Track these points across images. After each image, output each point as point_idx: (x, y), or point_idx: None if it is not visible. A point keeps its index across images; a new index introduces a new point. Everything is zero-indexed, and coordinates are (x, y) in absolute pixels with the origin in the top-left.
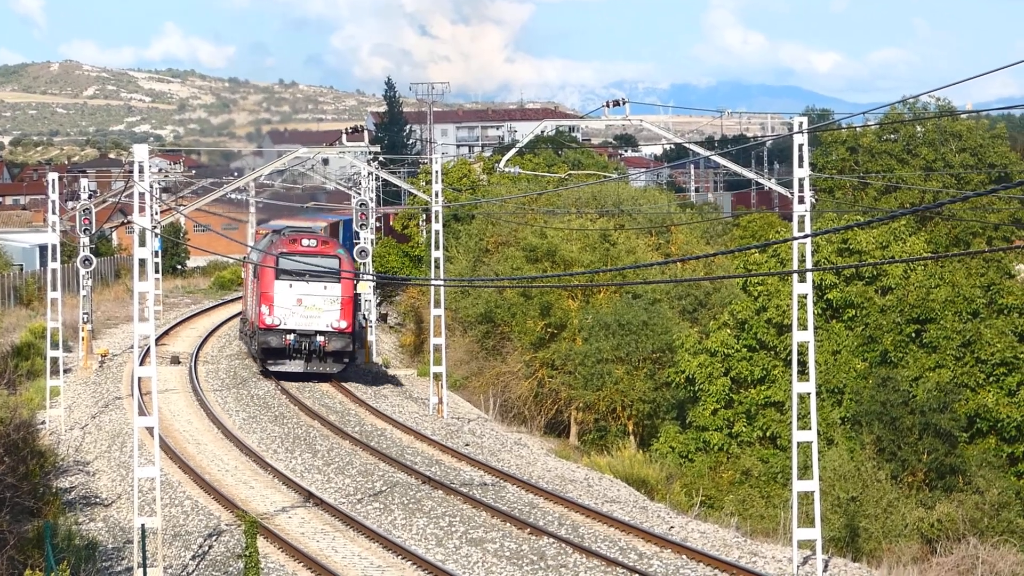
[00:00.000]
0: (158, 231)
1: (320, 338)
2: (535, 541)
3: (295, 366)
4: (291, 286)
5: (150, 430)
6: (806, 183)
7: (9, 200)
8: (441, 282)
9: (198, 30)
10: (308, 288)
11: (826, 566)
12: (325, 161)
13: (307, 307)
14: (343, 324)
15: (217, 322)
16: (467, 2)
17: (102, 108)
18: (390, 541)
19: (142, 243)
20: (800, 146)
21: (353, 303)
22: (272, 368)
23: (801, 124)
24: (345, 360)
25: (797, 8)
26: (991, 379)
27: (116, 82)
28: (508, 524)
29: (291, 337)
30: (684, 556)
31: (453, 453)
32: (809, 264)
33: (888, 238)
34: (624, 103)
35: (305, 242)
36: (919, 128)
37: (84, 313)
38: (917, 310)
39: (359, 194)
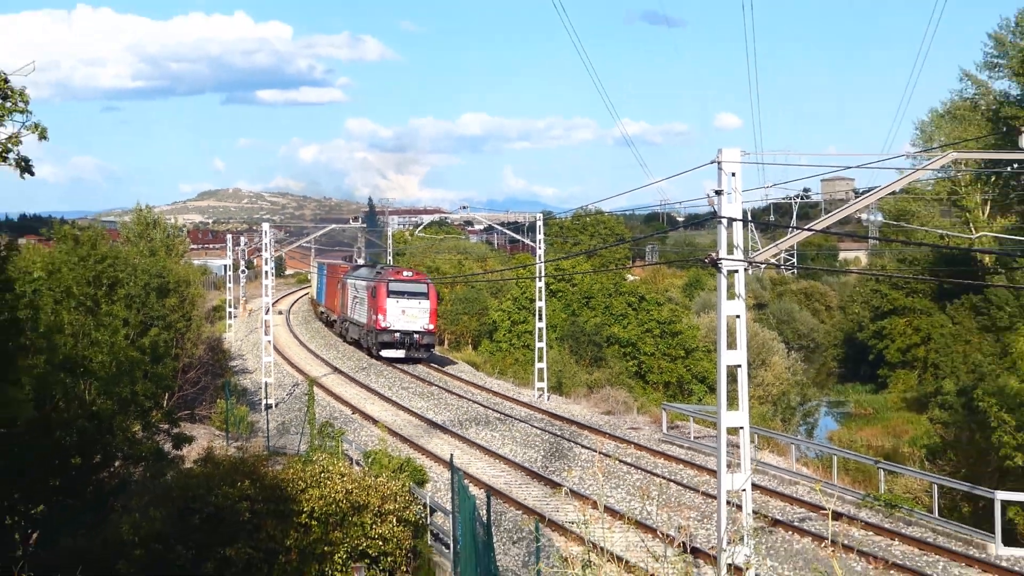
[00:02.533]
0: (272, 258)
1: (416, 335)
2: (429, 387)
3: (399, 353)
4: (397, 302)
5: (269, 341)
6: (541, 248)
7: (212, 247)
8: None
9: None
10: (408, 303)
11: (548, 396)
12: (343, 230)
13: (408, 316)
14: (431, 326)
15: (298, 297)
16: (403, 163)
17: (248, 207)
18: (367, 386)
19: (266, 263)
20: (539, 227)
21: (436, 312)
22: (384, 354)
23: (540, 216)
24: (430, 349)
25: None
26: (621, 317)
27: (257, 197)
28: (419, 382)
29: (397, 335)
30: (489, 393)
31: (413, 361)
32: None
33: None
34: (466, 208)
35: (405, 273)
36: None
37: (242, 291)
38: (584, 292)
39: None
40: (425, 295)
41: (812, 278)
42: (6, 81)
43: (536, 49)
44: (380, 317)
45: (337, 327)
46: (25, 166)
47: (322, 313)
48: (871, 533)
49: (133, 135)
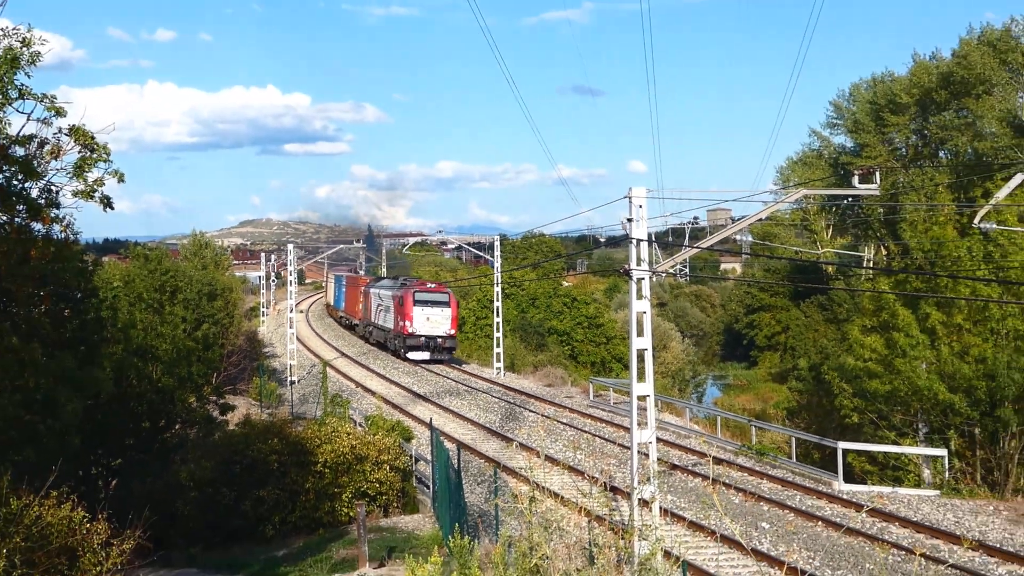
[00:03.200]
0: (295, 271)
1: (439, 339)
2: (414, 368)
3: (423, 355)
4: (423, 310)
5: (293, 333)
6: (497, 262)
7: (250, 263)
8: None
9: (307, 206)
10: (432, 311)
11: (504, 374)
12: (348, 249)
13: (432, 322)
14: (452, 331)
15: (314, 300)
16: (393, 198)
17: (278, 232)
18: (368, 367)
19: (290, 275)
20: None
21: (457, 319)
22: (410, 356)
23: (497, 238)
24: (451, 352)
25: (500, 193)
26: (559, 314)
27: (284, 225)
28: (406, 364)
29: (422, 339)
30: (459, 371)
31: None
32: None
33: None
34: (441, 232)
35: (429, 285)
36: None
37: (272, 296)
38: (531, 295)
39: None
40: (447, 304)
41: (700, 283)
42: (93, 138)
43: (494, 112)
44: (407, 323)
45: (360, 330)
46: (107, 203)
47: (341, 318)
48: (746, 474)
49: (190, 178)
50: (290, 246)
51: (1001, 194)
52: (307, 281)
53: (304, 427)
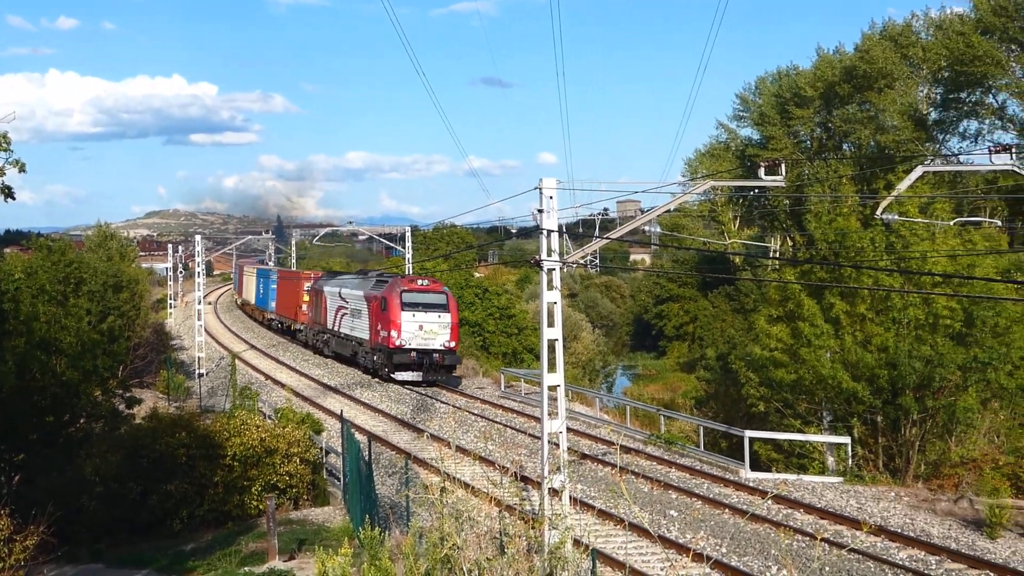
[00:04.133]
0: (203, 262)
1: (436, 355)
2: (325, 360)
3: (416, 376)
4: (414, 316)
5: (201, 325)
6: (408, 253)
7: (157, 254)
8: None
9: (215, 197)
10: (427, 317)
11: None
12: (257, 240)
13: (426, 331)
14: (452, 344)
15: (222, 292)
16: (303, 189)
17: (185, 223)
18: (277, 359)
19: (198, 266)
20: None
21: (457, 327)
22: (398, 376)
23: (408, 229)
24: (452, 370)
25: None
26: (471, 305)
27: (192, 215)
28: (317, 357)
29: (414, 355)
30: None
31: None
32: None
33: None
34: (352, 222)
35: (420, 282)
36: None
37: (180, 288)
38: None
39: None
40: (445, 307)
41: (610, 274)
42: None
43: (404, 102)
44: (393, 334)
45: (306, 336)
46: (8, 193)
47: (271, 320)
48: (654, 463)
49: (94, 168)
50: (198, 237)
51: (902, 186)
52: (215, 273)
53: (213, 420)
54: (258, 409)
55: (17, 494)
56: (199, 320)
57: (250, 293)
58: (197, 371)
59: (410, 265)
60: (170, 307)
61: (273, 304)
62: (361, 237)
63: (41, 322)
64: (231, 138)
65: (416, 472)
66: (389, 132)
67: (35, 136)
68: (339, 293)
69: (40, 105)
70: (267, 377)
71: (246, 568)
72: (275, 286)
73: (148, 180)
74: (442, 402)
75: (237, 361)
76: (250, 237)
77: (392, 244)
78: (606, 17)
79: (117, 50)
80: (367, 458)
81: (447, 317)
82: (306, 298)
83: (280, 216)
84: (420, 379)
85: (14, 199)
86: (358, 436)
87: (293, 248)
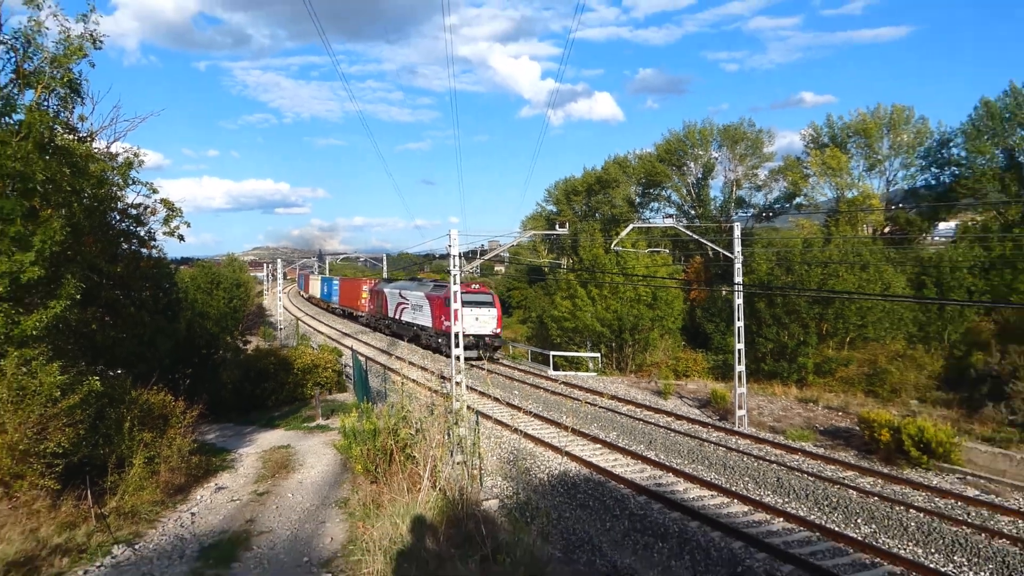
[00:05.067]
0: (281, 273)
1: (486, 338)
2: (343, 319)
3: (471, 353)
4: (472, 310)
5: (281, 304)
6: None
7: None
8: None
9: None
10: (480, 311)
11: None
12: (309, 260)
13: (479, 321)
14: (498, 330)
15: (288, 289)
16: (332, 235)
17: (272, 253)
18: (320, 320)
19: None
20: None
21: (501, 319)
22: (457, 354)
23: (384, 256)
24: (497, 349)
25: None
26: None
27: (276, 249)
28: (339, 319)
29: (470, 338)
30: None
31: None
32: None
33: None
34: (356, 251)
35: (474, 286)
36: None
37: (268, 286)
38: None
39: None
40: (491, 304)
41: (485, 277)
42: (173, 204)
43: (383, 191)
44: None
45: (368, 322)
46: (181, 238)
47: (334, 308)
48: (506, 368)
49: (226, 225)
50: (279, 261)
51: (623, 235)
52: (287, 278)
53: (287, 351)
54: (309, 345)
55: (189, 389)
56: (279, 302)
57: (315, 290)
58: (279, 327)
59: (385, 273)
60: (265, 295)
61: (336, 298)
62: (361, 259)
63: (198, 303)
64: (295, 210)
65: (390, 375)
66: (375, 206)
67: (195, 209)
68: (399, 293)
69: (198, 193)
70: (314, 330)
71: (305, 424)
72: (337, 286)
73: (253, 231)
74: (402, 342)
75: (300, 323)
76: (304, 260)
77: (377, 262)
78: (489, 134)
79: (240, 165)
80: (364, 368)
81: (493, 311)
82: (365, 295)
83: (320, 249)
84: (475, 356)
85: (184, 241)
86: (359, 357)
87: (327, 265)
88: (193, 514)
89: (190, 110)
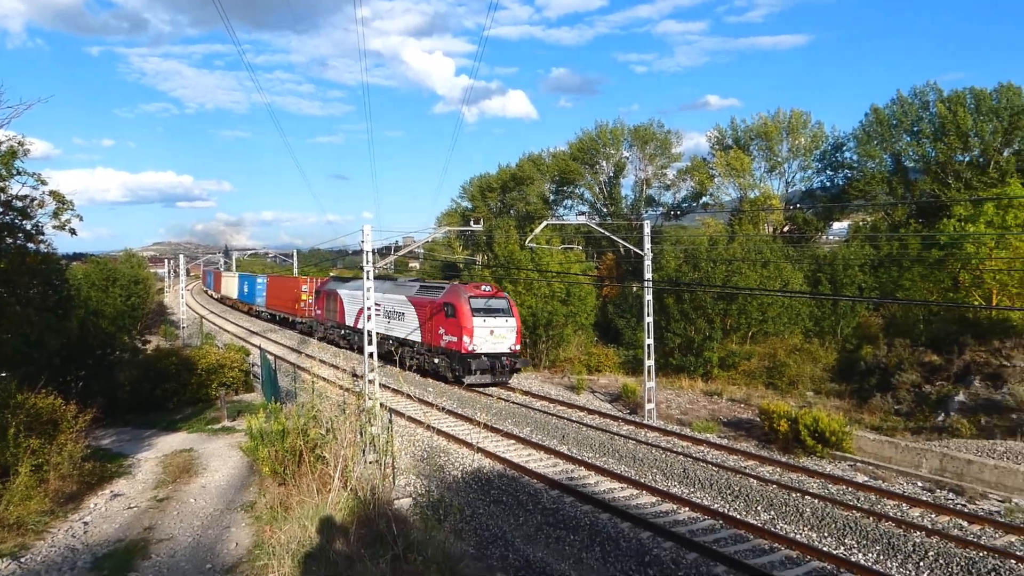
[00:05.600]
0: (184, 269)
1: (504, 358)
2: (250, 317)
3: (485, 379)
4: (484, 321)
5: (184, 301)
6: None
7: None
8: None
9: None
10: (496, 322)
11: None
12: (216, 256)
13: (496, 336)
14: (517, 347)
15: (191, 286)
16: (240, 230)
17: (174, 248)
18: (225, 318)
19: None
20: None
21: (521, 332)
22: (467, 381)
23: (295, 252)
24: (517, 372)
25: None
26: None
27: (178, 244)
28: (244, 316)
29: (485, 359)
30: (273, 321)
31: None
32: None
33: None
34: (265, 247)
35: (484, 288)
36: None
37: (170, 283)
38: None
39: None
40: (509, 312)
41: (399, 273)
42: (63, 196)
43: (294, 186)
44: (465, 340)
45: (311, 329)
46: (73, 232)
47: (260, 312)
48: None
49: (122, 218)
50: (181, 256)
51: (537, 231)
52: (192, 275)
53: (190, 351)
54: (215, 344)
55: (82, 392)
56: (182, 300)
57: (230, 290)
58: (182, 325)
59: (296, 270)
60: (166, 293)
61: (262, 299)
62: (271, 255)
63: (92, 300)
64: (200, 204)
65: (300, 374)
66: (285, 200)
67: (88, 202)
68: (363, 296)
69: (91, 184)
70: (219, 328)
71: (210, 426)
72: (264, 286)
73: (153, 225)
74: (312, 340)
75: (204, 321)
76: (209, 256)
77: (287, 259)
78: (403, 129)
79: (137, 156)
80: (273, 367)
81: (512, 321)
82: (305, 297)
83: (226, 244)
84: (491, 382)
85: (76, 235)
86: (268, 356)
87: (234, 261)
88: (86, 523)
89: (82, 97)
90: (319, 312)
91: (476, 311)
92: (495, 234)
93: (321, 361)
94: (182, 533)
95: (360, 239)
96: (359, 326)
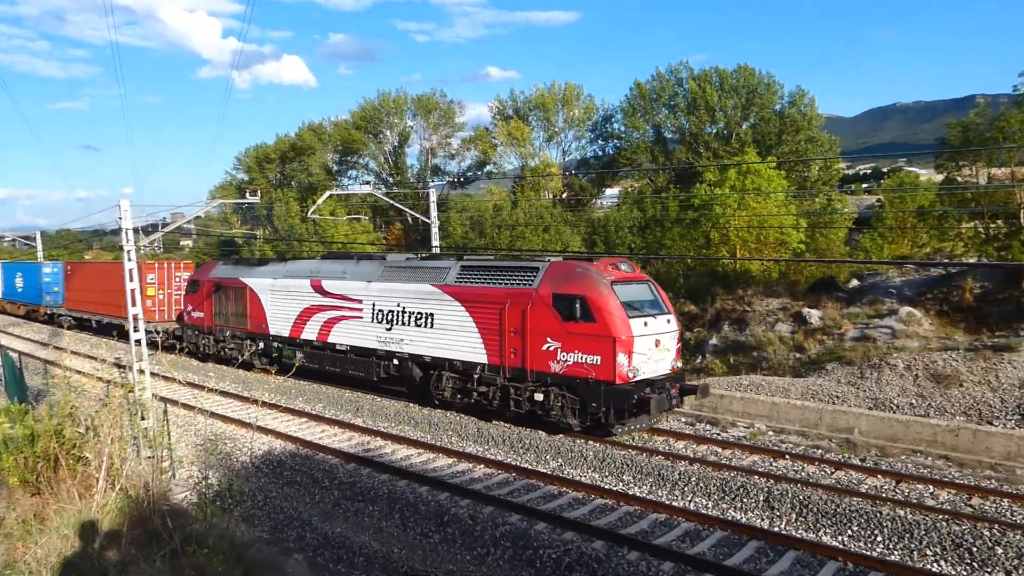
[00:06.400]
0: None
1: (669, 384)
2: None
3: (645, 421)
4: (646, 324)
5: None
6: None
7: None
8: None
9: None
10: (657, 324)
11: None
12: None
13: (660, 349)
14: (679, 364)
15: None
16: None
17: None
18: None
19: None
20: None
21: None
22: (625, 428)
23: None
24: (679, 406)
25: None
26: None
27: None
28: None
29: (648, 388)
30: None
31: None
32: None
33: None
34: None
35: (623, 267)
36: None
37: None
38: None
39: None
40: (663, 303)
41: (169, 252)
42: None
43: (33, 152)
44: (620, 361)
45: (195, 343)
46: None
47: (54, 315)
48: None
49: None
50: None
51: (320, 202)
52: None
53: None
54: None
55: None
56: None
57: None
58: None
59: (40, 255)
60: None
61: (54, 298)
62: (7, 239)
63: None
64: None
65: (52, 370)
66: (21, 176)
67: None
68: (320, 288)
69: None
70: None
71: None
72: (57, 277)
73: None
74: (64, 332)
75: None
76: None
77: (29, 243)
78: (163, 94)
79: None
80: (17, 365)
81: (673, 321)
82: (153, 292)
83: None
84: (649, 426)
85: None
86: (12, 354)
87: None
88: None
89: None
90: (199, 316)
91: (628, 307)
92: (275, 207)
93: (73, 353)
94: None
95: (118, 215)
96: (304, 336)
